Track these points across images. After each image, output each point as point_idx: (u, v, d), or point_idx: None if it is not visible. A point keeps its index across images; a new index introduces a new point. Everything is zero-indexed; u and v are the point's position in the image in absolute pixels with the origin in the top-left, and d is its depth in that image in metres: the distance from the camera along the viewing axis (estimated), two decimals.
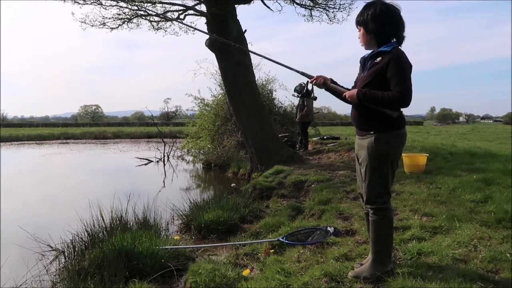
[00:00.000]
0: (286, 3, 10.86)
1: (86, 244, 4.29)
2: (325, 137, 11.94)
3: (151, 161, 14.13)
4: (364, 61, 2.65)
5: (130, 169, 12.87)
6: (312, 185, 6.36)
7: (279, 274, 2.81)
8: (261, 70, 19.71)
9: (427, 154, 6.34)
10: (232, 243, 4.14)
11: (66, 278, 3.50)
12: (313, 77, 2.76)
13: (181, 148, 15.66)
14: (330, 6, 10.93)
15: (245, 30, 8.70)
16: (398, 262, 2.81)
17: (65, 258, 4.22)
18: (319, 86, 2.75)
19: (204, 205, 5.51)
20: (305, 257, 3.19)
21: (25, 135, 29.89)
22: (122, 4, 9.18)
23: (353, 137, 7.29)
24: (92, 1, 9.13)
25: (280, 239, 3.66)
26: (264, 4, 10.19)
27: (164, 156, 14.60)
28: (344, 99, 2.68)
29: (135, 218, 4.84)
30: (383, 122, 2.47)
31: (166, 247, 3.87)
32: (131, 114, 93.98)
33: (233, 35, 8.33)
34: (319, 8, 11.06)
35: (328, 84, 2.72)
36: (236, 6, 8.86)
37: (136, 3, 8.89)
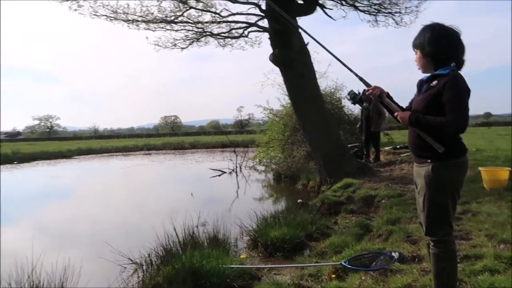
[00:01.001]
0: (350, 9, 10.69)
1: (162, 259, 4.62)
2: (398, 146, 11.42)
3: (225, 172, 14.66)
4: (420, 84, 2.56)
5: (204, 180, 13.48)
6: (382, 201, 6.17)
7: None
8: (329, 78, 19.42)
9: (510, 168, 5.74)
10: (295, 265, 4.17)
11: None
12: (371, 86, 2.64)
13: (253, 159, 16.04)
14: (396, 10, 10.57)
15: (307, 43, 8.72)
16: None
17: (142, 272, 4.59)
18: (374, 98, 2.61)
19: (271, 221, 5.62)
20: (367, 284, 3.13)
21: (114, 147, 32.66)
22: (189, 27, 9.82)
23: None
24: (162, 27, 9.88)
25: (343, 263, 3.61)
26: (326, 13, 10.12)
27: (236, 167, 15.09)
28: (396, 118, 2.60)
29: (205, 235, 5.12)
30: None
31: (232, 266, 4.04)
32: (206, 123, 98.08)
33: (296, 48, 8.41)
34: (384, 13, 10.72)
35: (383, 98, 2.60)
36: (298, 18, 8.92)
37: (202, 26, 9.42)
